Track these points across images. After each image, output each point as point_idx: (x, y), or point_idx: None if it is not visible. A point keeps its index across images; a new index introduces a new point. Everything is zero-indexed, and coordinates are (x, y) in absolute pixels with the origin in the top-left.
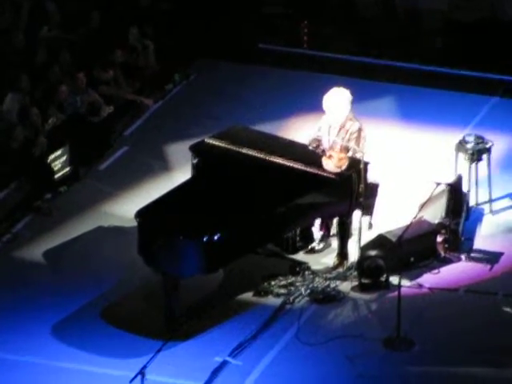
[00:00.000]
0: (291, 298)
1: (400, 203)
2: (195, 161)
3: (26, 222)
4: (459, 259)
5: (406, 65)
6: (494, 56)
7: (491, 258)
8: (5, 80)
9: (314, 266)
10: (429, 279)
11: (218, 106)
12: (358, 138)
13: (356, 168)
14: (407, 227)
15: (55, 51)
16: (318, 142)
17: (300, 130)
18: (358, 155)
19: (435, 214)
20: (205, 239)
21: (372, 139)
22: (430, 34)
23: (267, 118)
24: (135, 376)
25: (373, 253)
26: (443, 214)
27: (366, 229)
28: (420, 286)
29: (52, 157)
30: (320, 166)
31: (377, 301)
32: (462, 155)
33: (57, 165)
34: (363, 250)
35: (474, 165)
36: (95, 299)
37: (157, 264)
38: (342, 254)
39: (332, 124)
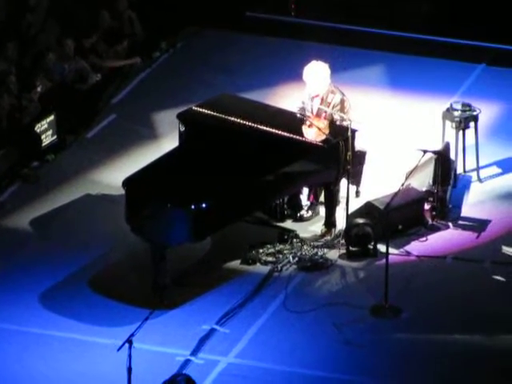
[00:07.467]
0: (279, 266)
1: (387, 171)
2: (183, 129)
3: (13, 191)
4: (447, 227)
5: (393, 32)
6: (481, 23)
7: (478, 225)
8: None
9: (302, 234)
10: (416, 247)
11: (205, 74)
12: (341, 110)
13: (343, 136)
14: (395, 195)
15: (42, 19)
16: (304, 111)
17: (287, 98)
18: (346, 123)
19: (423, 181)
20: (193, 207)
21: (359, 107)
22: (417, 0)
23: (254, 86)
24: (122, 344)
25: (360, 220)
26: (431, 182)
27: (353, 196)
28: (408, 253)
29: (39, 125)
30: (307, 133)
31: (364, 268)
32: (449, 123)
33: (44, 133)
34: (351, 217)
35: (461, 132)
36: (83, 268)
37: (144, 232)
38: (330, 221)
39: (313, 96)
